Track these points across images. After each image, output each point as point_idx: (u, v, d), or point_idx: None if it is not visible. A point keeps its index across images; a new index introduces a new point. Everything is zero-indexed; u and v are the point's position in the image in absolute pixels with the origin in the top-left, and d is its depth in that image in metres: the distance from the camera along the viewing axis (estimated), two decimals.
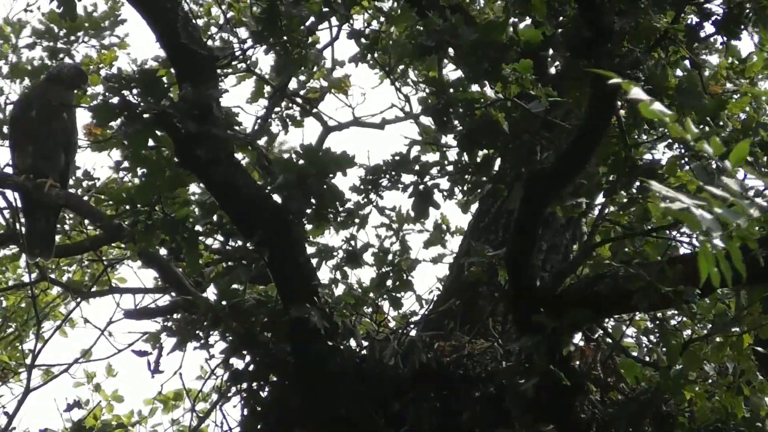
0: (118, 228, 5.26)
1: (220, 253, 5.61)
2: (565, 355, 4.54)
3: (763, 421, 4.69)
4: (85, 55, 7.63)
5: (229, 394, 4.95)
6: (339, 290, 5.46)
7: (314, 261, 5.29)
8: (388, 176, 5.05)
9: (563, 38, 4.58)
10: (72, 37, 7.56)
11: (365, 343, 4.90)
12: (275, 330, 4.77)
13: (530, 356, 4.49)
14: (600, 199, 4.96)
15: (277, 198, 4.73)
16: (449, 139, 5.73)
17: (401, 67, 7.18)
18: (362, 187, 5.08)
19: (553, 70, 6.08)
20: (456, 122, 4.73)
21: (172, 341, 4.82)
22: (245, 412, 4.84)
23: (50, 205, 6.22)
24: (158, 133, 4.55)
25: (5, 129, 6.72)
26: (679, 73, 4.95)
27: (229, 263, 5.04)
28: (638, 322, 6.15)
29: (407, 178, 5.08)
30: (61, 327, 8.16)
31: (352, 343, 4.86)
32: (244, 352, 4.79)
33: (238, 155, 5.16)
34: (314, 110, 7.66)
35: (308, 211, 4.69)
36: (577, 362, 4.75)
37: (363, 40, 5.61)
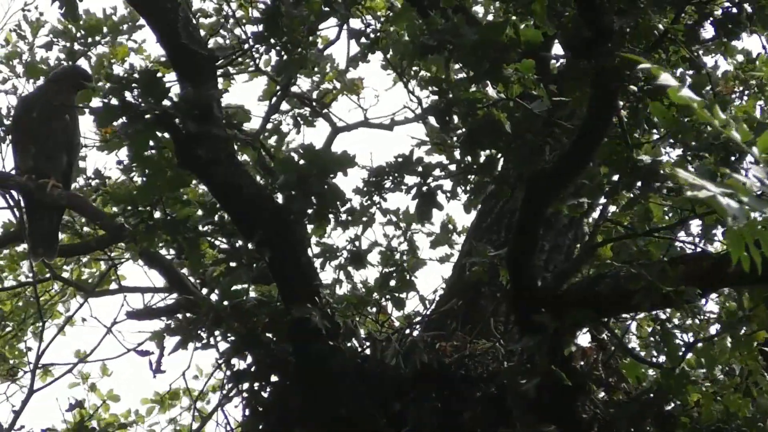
0: (120, 228, 5.27)
1: (223, 252, 5.61)
2: (566, 356, 4.54)
3: (764, 421, 4.68)
4: (99, 54, 7.67)
5: (231, 394, 4.95)
6: (342, 291, 5.48)
7: (318, 261, 5.30)
8: (391, 178, 5.05)
9: (563, 38, 4.57)
10: (90, 39, 7.59)
11: (366, 343, 4.90)
12: (276, 330, 4.77)
13: (532, 356, 4.48)
14: (602, 199, 4.95)
15: (278, 198, 4.73)
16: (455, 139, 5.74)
17: (414, 68, 7.18)
18: (365, 189, 5.08)
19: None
20: (458, 122, 4.73)
21: (174, 341, 4.83)
22: (247, 413, 4.85)
23: (52, 205, 6.23)
24: (159, 133, 4.55)
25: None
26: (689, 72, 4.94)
27: (231, 264, 5.04)
28: (643, 322, 6.16)
29: (410, 180, 5.09)
30: (65, 326, 8.18)
31: (354, 343, 4.86)
32: (246, 353, 4.79)
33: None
34: (324, 111, 7.68)
35: (309, 211, 4.68)
36: (579, 362, 4.75)
37: (363, 40, 5.61)
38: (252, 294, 4.88)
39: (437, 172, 5.06)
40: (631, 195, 4.68)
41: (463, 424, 4.67)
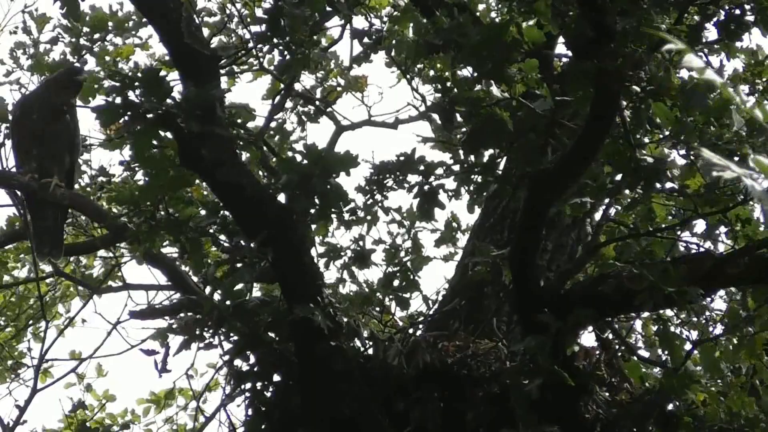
0: (123, 228, 5.26)
1: (226, 252, 5.61)
2: (569, 356, 4.54)
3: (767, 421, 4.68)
4: (102, 48, 7.66)
5: (233, 394, 4.95)
6: (346, 290, 5.48)
7: (323, 261, 5.30)
8: (393, 177, 5.04)
9: (566, 38, 4.56)
10: (96, 35, 7.59)
11: (369, 343, 4.90)
12: (279, 330, 4.77)
13: (534, 356, 4.48)
14: (605, 199, 4.94)
15: (281, 198, 4.73)
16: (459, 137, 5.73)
17: (419, 66, 7.18)
18: (367, 187, 5.07)
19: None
20: (461, 121, 4.73)
21: (179, 340, 4.83)
22: (249, 412, 4.85)
23: (55, 204, 6.23)
24: (162, 133, 4.55)
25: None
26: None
27: (235, 264, 5.04)
28: (647, 322, 6.15)
29: (413, 178, 5.08)
30: (68, 326, 8.19)
31: (357, 343, 4.86)
32: (249, 353, 4.79)
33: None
34: (328, 109, 7.67)
35: (312, 210, 4.68)
36: (582, 362, 4.75)
37: (366, 40, 5.60)
38: (255, 294, 4.89)
39: (439, 171, 5.06)
40: (634, 195, 4.68)
41: (465, 424, 4.67)
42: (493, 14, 6.89)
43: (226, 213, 4.81)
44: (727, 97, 2.38)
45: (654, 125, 4.47)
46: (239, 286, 4.72)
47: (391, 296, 5.38)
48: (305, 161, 4.63)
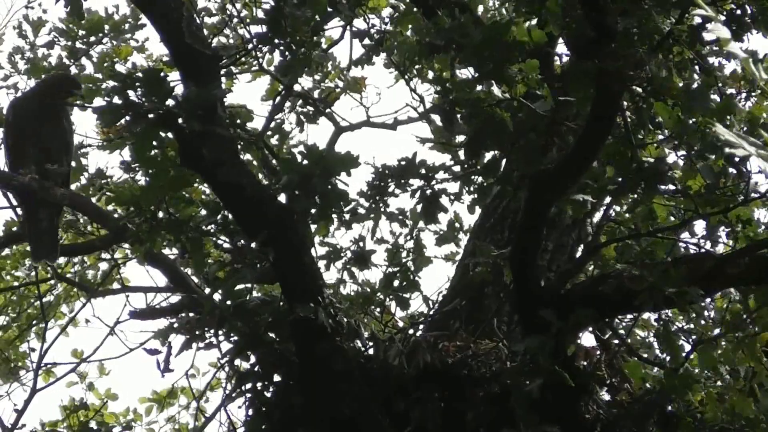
0: (123, 228, 5.25)
1: (227, 252, 5.61)
2: (569, 356, 4.54)
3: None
4: (100, 51, 7.67)
5: (234, 394, 4.95)
6: (346, 291, 5.48)
7: (323, 262, 5.30)
8: (395, 181, 5.05)
9: (568, 38, 4.56)
10: (92, 38, 7.59)
11: (370, 343, 4.90)
12: (279, 330, 4.77)
13: (535, 356, 4.48)
14: (606, 199, 4.95)
15: (282, 198, 4.73)
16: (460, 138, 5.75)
17: (417, 67, 7.17)
18: (369, 192, 5.08)
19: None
20: (462, 122, 4.73)
21: (181, 340, 4.83)
22: (250, 412, 4.84)
23: (51, 205, 6.22)
24: (162, 133, 4.54)
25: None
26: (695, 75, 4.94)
27: (236, 264, 5.03)
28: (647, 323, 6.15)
29: (415, 182, 5.09)
30: (67, 326, 8.18)
31: (357, 343, 4.86)
32: (249, 353, 4.79)
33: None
34: (327, 110, 7.67)
35: (312, 211, 4.68)
36: (582, 363, 4.75)
37: (367, 41, 5.60)
38: (255, 294, 4.89)
39: (441, 174, 5.07)
40: (635, 195, 4.68)
41: (466, 424, 4.67)
42: (489, 16, 6.89)
43: (227, 213, 4.82)
44: (749, 71, 2.38)
45: (656, 125, 4.47)
46: (240, 286, 4.72)
47: (391, 296, 5.37)
48: (306, 161, 4.63)
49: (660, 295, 4.27)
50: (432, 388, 4.74)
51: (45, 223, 6.33)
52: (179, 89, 4.68)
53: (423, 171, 5.04)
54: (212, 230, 4.86)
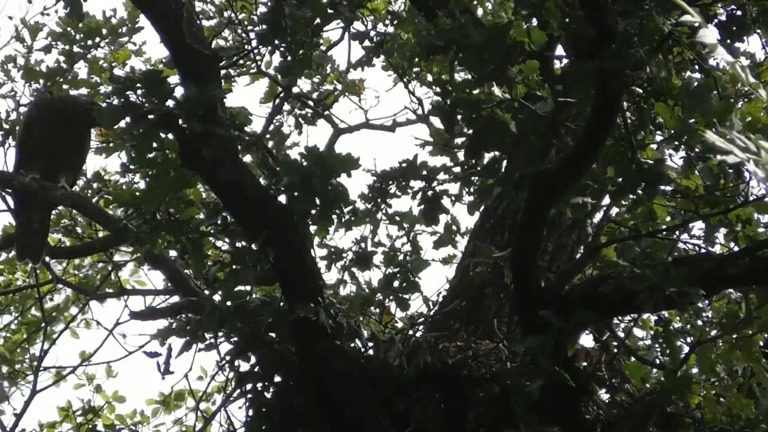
0: (123, 229, 5.25)
1: (227, 253, 5.61)
2: (569, 356, 4.54)
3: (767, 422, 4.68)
4: (96, 55, 7.67)
5: (234, 395, 4.95)
6: (346, 291, 5.47)
7: (324, 263, 5.30)
8: (396, 183, 5.06)
9: (568, 39, 4.57)
10: (89, 42, 7.58)
11: (370, 344, 4.90)
12: (280, 330, 4.77)
13: (535, 357, 4.48)
14: (606, 200, 4.95)
15: (282, 198, 4.73)
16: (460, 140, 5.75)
17: (416, 69, 7.18)
18: (370, 195, 5.09)
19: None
20: (462, 124, 4.73)
21: (181, 342, 4.82)
22: (250, 413, 4.84)
23: (43, 207, 6.21)
24: (162, 134, 4.54)
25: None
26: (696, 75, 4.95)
27: (236, 265, 5.03)
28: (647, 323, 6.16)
29: (416, 184, 5.10)
30: (66, 328, 8.17)
31: (357, 343, 4.86)
32: (249, 353, 4.79)
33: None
34: (326, 112, 7.68)
35: (313, 211, 4.68)
36: (583, 363, 4.75)
37: (368, 43, 5.60)
38: (255, 294, 4.89)
39: (442, 175, 5.07)
40: (635, 196, 4.68)
41: (466, 424, 4.67)
42: (489, 18, 6.90)
43: (227, 214, 4.82)
44: (736, 75, 2.38)
45: (657, 126, 4.47)
46: (240, 287, 4.72)
47: (391, 297, 5.37)
48: (306, 162, 4.63)
49: (660, 295, 4.27)
50: (432, 389, 4.74)
51: (36, 224, 6.30)
52: (179, 90, 4.69)
53: (424, 173, 5.04)
54: (212, 231, 4.86)
